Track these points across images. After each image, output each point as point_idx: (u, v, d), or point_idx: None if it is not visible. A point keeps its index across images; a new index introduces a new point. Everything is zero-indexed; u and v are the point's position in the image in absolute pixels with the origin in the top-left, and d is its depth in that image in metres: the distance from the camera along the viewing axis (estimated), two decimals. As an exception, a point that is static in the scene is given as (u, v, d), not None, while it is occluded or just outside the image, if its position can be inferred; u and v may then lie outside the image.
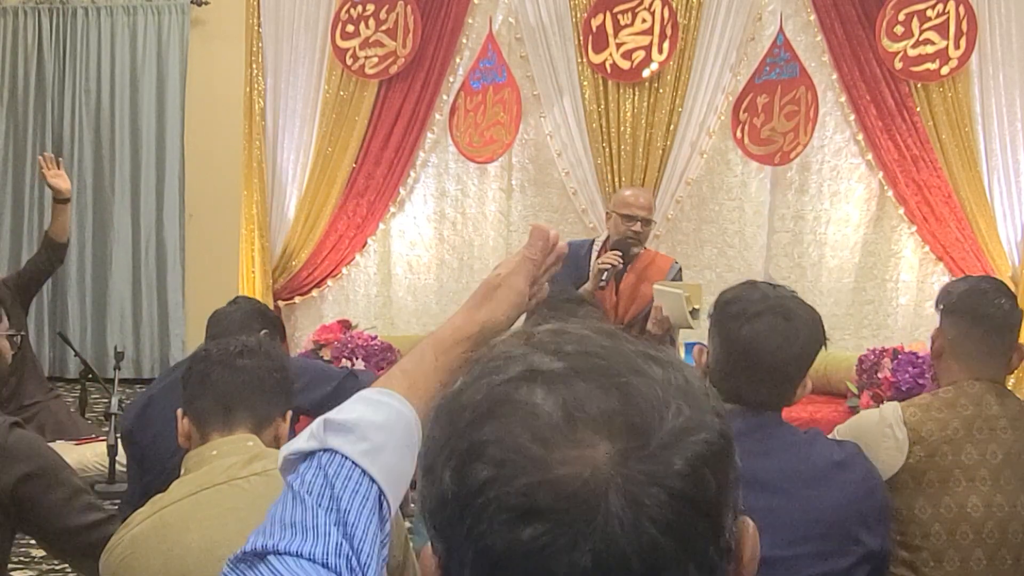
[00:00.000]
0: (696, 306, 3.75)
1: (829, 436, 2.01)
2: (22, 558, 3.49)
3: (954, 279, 2.30)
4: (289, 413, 1.85)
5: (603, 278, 3.91)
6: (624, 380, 0.61)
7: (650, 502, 0.58)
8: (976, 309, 2.08)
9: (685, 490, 0.59)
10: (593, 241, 4.35)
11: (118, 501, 3.14)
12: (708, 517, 0.60)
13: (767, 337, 1.70)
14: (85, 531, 1.83)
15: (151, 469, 2.57)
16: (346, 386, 2.84)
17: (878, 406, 4.16)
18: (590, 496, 0.57)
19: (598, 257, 4.19)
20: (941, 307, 2.16)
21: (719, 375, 1.76)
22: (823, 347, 1.79)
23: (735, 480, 0.63)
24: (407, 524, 1.90)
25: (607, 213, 4.24)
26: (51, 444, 4.47)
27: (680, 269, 4.27)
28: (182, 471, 1.70)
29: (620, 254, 3.94)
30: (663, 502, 0.58)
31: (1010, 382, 4.85)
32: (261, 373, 1.79)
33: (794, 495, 1.63)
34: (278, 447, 1.78)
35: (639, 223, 4.05)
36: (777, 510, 1.60)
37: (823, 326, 1.79)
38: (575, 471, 0.58)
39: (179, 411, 1.81)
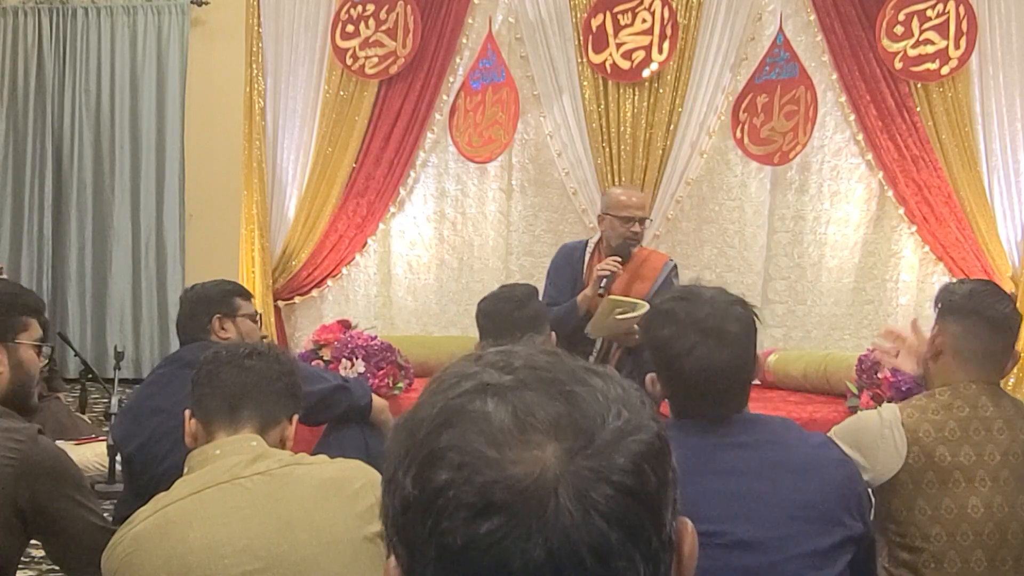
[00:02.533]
0: (624, 312, 3.75)
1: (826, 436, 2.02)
2: (22, 558, 3.49)
3: (953, 281, 2.30)
4: (296, 417, 1.86)
5: (602, 284, 3.91)
6: (569, 389, 0.67)
7: (596, 496, 0.63)
8: (980, 309, 2.09)
9: (628, 484, 0.64)
10: (587, 242, 4.34)
11: (116, 501, 3.15)
12: (650, 510, 0.65)
13: (709, 365, 1.69)
14: (93, 548, 1.84)
15: (142, 475, 2.58)
16: (336, 397, 2.82)
17: (878, 406, 4.17)
18: (541, 491, 0.62)
19: (592, 260, 4.19)
20: (940, 306, 2.16)
21: (680, 400, 1.76)
22: (757, 324, 1.78)
23: (673, 479, 0.69)
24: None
25: (599, 215, 4.24)
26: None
27: (675, 266, 4.25)
28: (185, 470, 1.71)
29: (620, 260, 3.94)
30: (609, 496, 0.63)
31: (1010, 382, 4.86)
32: (269, 375, 1.81)
33: (778, 482, 1.66)
34: (284, 448, 1.79)
35: (637, 223, 4.05)
36: (761, 495, 1.64)
37: (752, 315, 1.76)
38: (527, 469, 0.63)
39: (187, 412, 1.82)
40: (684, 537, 0.70)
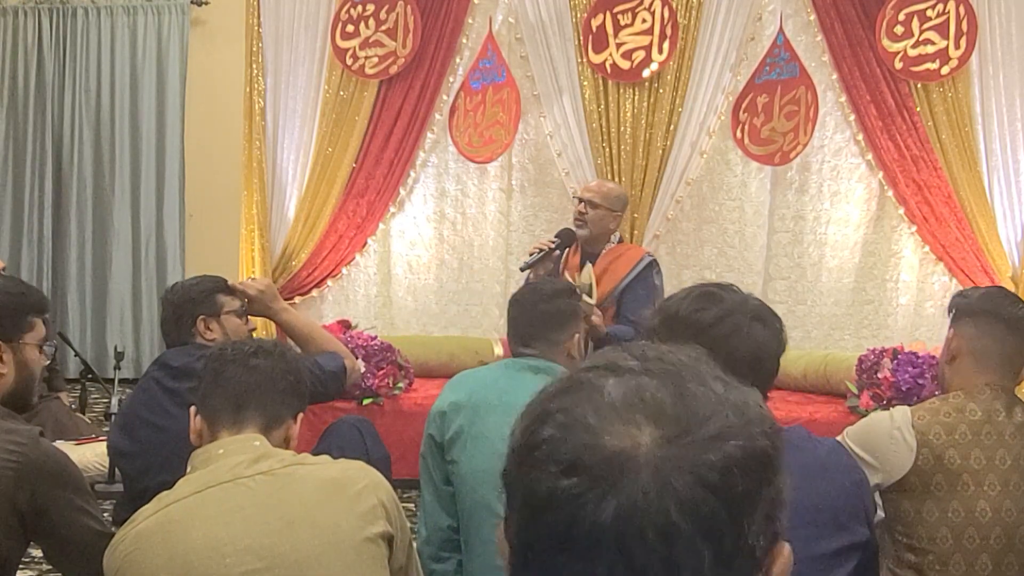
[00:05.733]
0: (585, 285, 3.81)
1: (838, 437, 2.01)
2: (22, 558, 3.48)
3: (965, 288, 2.29)
4: (300, 415, 1.86)
5: (527, 261, 4.01)
6: (685, 384, 0.71)
7: (677, 483, 0.65)
8: (997, 310, 2.08)
9: (711, 479, 0.66)
10: None
11: (115, 501, 3.16)
12: (729, 508, 0.66)
13: (760, 345, 1.64)
14: (92, 552, 1.84)
15: (136, 484, 2.59)
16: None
17: (878, 406, 4.17)
18: (626, 464, 0.66)
19: (569, 256, 4.27)
20: (955, 310, 2.15)
21: None
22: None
23: (770, 496, 0.70)
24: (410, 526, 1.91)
25: None
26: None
27: (653, 261, 4.26)
28: (188, 468, 1.71)
29: (556, 240, 4.05)
30: (688, 484, 0.65)
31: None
32: (274, 374, 1.81)
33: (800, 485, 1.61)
34: (288, 448, 1.79)
35: (582, 204, 4.14)
36: None
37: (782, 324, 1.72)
38: (619, 443, 0.67)
39: (192, 408, 1.82)
40: (777, 560, 0.72)
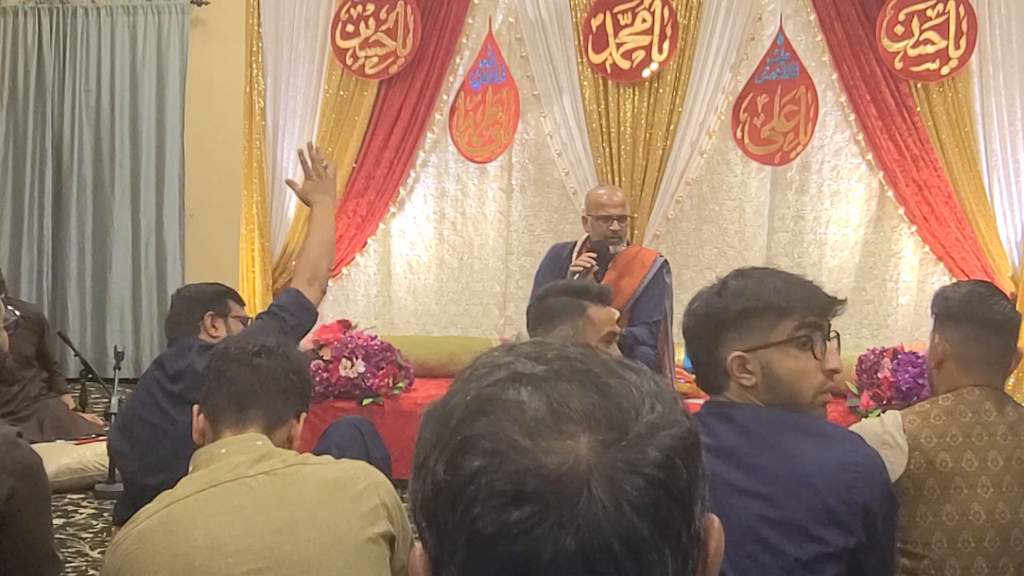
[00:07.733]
0: None
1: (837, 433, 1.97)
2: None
3: (946, 285, 2.27)
4: (304, 415, 1.86)
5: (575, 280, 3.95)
6: (603, 381, 0.67)
7: (629, 488, 0.63)
8: (980, 314, 2.07)
9: (660, 477, 0.64)
10: (576, 243, 4.36)
11: (116, 501, 3.16)
12: (680, 504, 0.65)
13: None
14: (44, 568, 1.81)
15: (136, 481, 2.60)
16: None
17: (878, 406, 4.16)
18: (573, 481, 0.62)
19: (575, 258, 4.22)
20: (937, 313, 2.14)
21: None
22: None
23: (703, 475, 0.68)
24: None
25: (583, 216, 4.28)
26: (51, 444, 4.45)
27: (665, 262, 4.25)
28: (190, 468, 1.71)
29: (595, 256, 3.99)
30: (640, 488, 0.63)
31: (1009, 382, 4.86)
32: (277, 373, 1.81)
33: (740, 501, 1.52)
34: (291, 447, 1.79)
35: (615, 221, 4.10)
36: (732, 508, 1.49)
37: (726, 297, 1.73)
38: (560, 459, 0.63)
39: (195, 407, 1.82)
40: (711, 533, 0.70)
